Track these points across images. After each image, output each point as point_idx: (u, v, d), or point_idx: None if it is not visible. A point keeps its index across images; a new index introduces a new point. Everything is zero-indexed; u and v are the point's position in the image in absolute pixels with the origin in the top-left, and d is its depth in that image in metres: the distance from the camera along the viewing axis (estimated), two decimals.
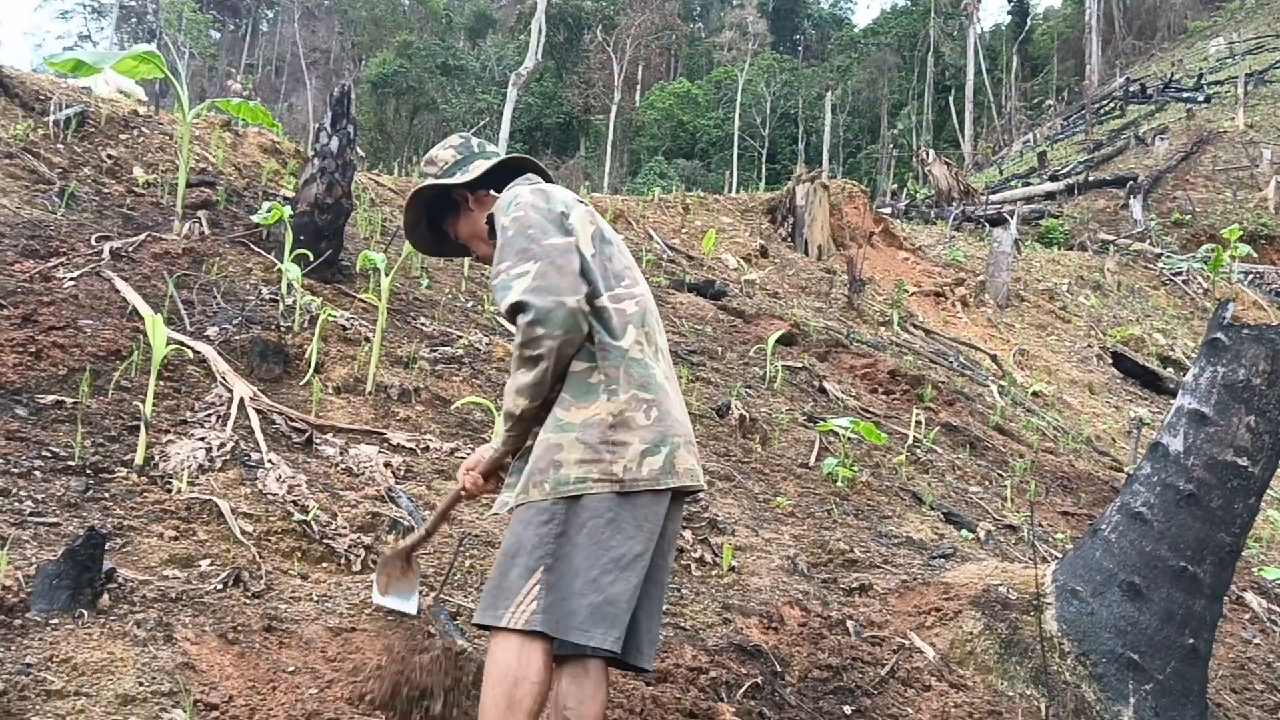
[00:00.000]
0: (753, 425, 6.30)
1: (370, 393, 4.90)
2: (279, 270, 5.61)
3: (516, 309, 2.47)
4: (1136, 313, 15.59)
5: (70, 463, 3.54)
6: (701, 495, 5.05)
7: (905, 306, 11.56)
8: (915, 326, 11.15)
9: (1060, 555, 4.79)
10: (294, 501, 3.74)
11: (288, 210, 5.67)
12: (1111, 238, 20.89)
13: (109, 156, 6.67)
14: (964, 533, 5.67)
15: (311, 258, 5.69)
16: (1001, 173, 33.18)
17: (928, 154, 23.97)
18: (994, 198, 23.76)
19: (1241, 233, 18.93)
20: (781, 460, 6.07)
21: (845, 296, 10.99)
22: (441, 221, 3.04)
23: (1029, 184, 27.68)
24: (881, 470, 6.37)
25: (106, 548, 2.92)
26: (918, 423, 7.29)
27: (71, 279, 4.84)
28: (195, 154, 7.07)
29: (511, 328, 2.59)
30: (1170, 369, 12.93)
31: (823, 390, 7.73)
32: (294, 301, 5.32)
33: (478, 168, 2.91)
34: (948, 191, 21.56)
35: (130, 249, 5.40)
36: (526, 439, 2.62)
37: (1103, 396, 11.63)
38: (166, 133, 7.35)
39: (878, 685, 3.80)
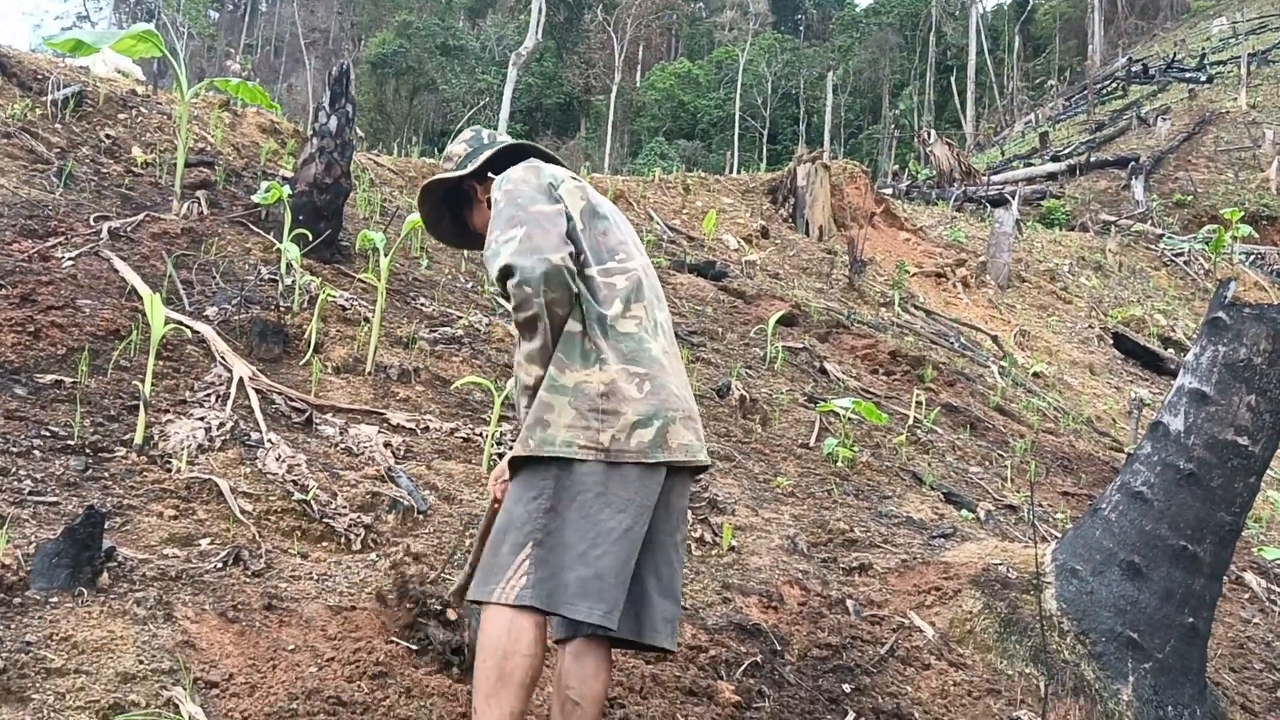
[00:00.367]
0: (753, 406, 6.30)
1: (370, 373, 4.90)
2: (278, 250, 5.60)
3: (505, 274, 2.49)
4: (1138, 293, 15.57)
5: (69, 442, 3.54)
6: (702, 475, 5.05)
7: (906, 287, 11.54)
8: (916, 307, 11.14)
9: (1060, 535, 4.80)
10: (294, 481, 3.74)
11: (286, 190, 5.65)
12: (1113, 218, 20.86)
13: (107, 136, 6.64)
14: (964, 513, 5.68)
15: (310, 238, 5.68)
16: (1003, 153, 33.09)
17: (929, 134, 23.91)
18: (995, 178, 23.70)
19: (1243, 213, 18.92)
20: (782, 440, 6.06)
21: (846, 277, 10.98)
22: (461, 214, 3.06)
23: (1031, 164, 27.61)
24: (882, 450, 6.37)
25: (106, 526, 2.92)
26: (918, 403, 7.28)
27: (70, 259, 4.83)
28: (194, 134, 7.05)
29: (506, 304, 2.59)
30: (1171, 350, 12.93)
31: (823, 371, 7.72)
32: (293, 281, 5.31)
33: (482, 158, 2.93)
34: (949, 172, 21.52)
35: (129, 229, 5.39)
36: None
37: (1103, 377, 11.63)
38: (165, 112, 7.32)
39: (877, 664, 3.81)
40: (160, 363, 4.17)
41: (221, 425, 3.92)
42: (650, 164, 33.85)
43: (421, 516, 3.90)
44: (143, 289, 4.46)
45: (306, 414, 4.33)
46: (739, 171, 18.79)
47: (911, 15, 54.29)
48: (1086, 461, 7.58)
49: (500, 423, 4.59)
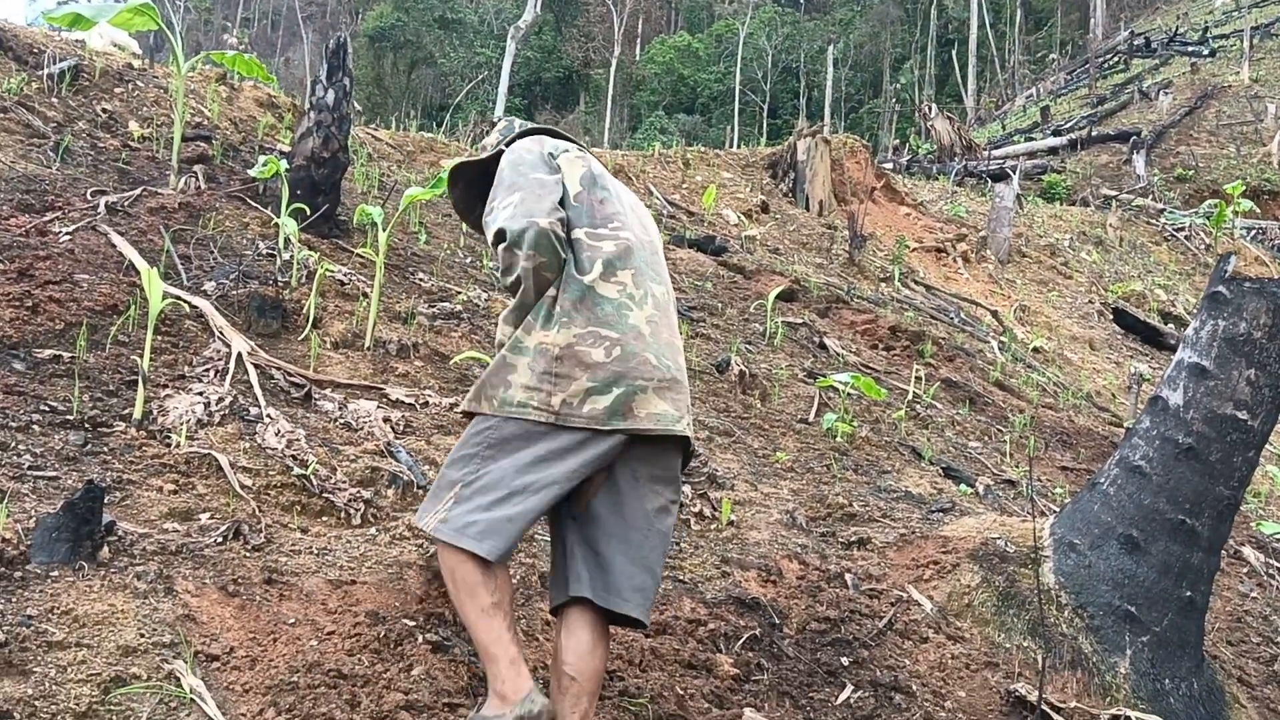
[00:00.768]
0: (752, 381, 6.30)
1: (369, 348, 4.89)
2: (276, 225, 5.58)
3: (498, 238, 2.59)
4: (1138, 268, 15.55)
5: (68, 417, 3.53)
6: (700, 450, 5.05)
7: (906, 262, 11.52)
8: (916, 282, 11.12)
9: (1059, 509, 4.81)
10: (293, 456, 3.74)
11: (284, 165, 5.63)
12: (1114, 193, 20.80)
13: (104, 110, 6.61)
14: (963, 487, 5.69)
15: (308, 212, 5.66)
16: (1004, 128, 32.93)
17: (930, 109, 23.81)
18: (996, 153, 23.61)
19: (1245, 188, 18.84)
20: (781, 416, 6.07)
21: (846, 252, 10.95)
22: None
23: (1032, 139, 27.50)
24: (881, 425, 6.38)
25: (106, 501, 2.92)
26: (918, 378, 7.29)
27: (67, 234, 4.81)
28: (191, 108, 7.01)
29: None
30: (1171, 325, 12.91)
31: (823, 346, 7.72)
32: (291, 256, 5.29)
33: (507, 141, 3.00)
34: (950, 146, 21.44)
35: (126, 203, 5.37)
36: None
37: (1103, 352, 11.63)
38: (161, 86, 7.29)
39: (875, 637, 3.82)
40: (158, 338, 4.17)
41: (220, 400, 3.92)
42: (650, 138, 33.74)
43: (421, 491, 3.90)
44: (140, 264, 4.44)
45: (305, 389, 4.33)
46: (739, 146, 18.72)
47: None
48: (1086, 436, 7.59)
49: None
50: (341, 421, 4.22)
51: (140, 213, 5.35)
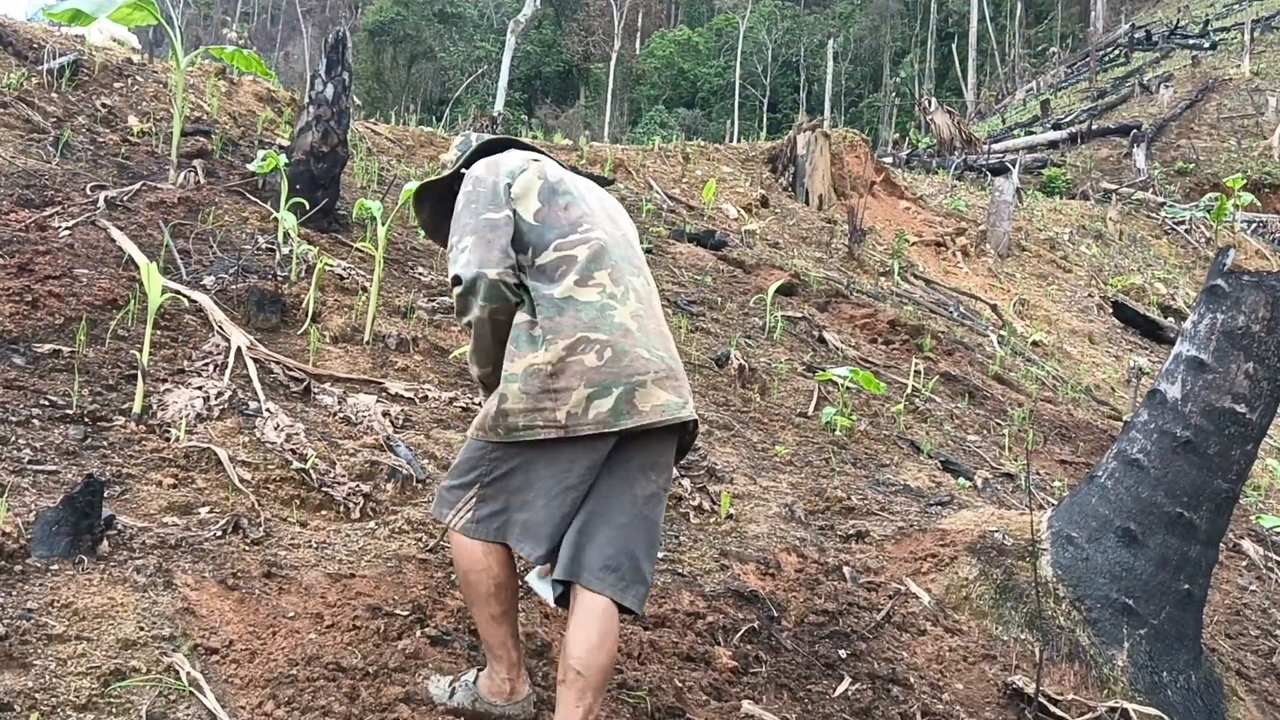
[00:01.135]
0: (752, 375, 6.30)
1: (368, 342, 4.90)
2: (275, 219, 5.59)
3: (454, 282, 2.66)
4: (1138, 262, 15.54)
5: (68, 411, 3.54)
6: (700, 444, 5.06)
7: (906, 256, 11.52)
8: (916, 276, 11.12)
9: (1057, 503, 4.82)
10: (292, 450, 3.75)
11: (283, 159, 5.63)
12: (1114, 187, 20.78)
13: (103, 105, 6.61)
14: (961, 481, 5.69)
15: (308, 206, 5.66)
16: (1004, 121, 32.91)
17: (930, 102, 23.76)
18: (996, 147, 23.60)
19: (1245, 181, 18.81)
20: (780, 409, 6.07)
21: (846, 246, 10.95)
22: None
23: (1032, 133, 27.47)
24: (880, 419, 6.38)
25: (105, 495, 2.93)
26: (917, 372, 7.29)
27: (67, 228, 4.82)
28: (190, 103, 7.01)
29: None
30: (1171, 318, 12.91)
31: (822, 340, 7.72)
32: (290, 251, 5.30)
33: (463, 158, 3.03)
34: (950, 140, 21.40)
35: (125, 198, 5.38)
36: None
37: (1103, 346, 11.63)
38: (161, 81, 7.29)
39: (873, 629, 3.83)
40: (158, 332, 4.17)
41: (220, 394, 3.93)
42: (650, 132, 33.70)
43: (420, 485, 3.91)
44: (140, 258, 4.45)
45: (305, 383, 4.34)
46: (739, 140, 18.71)
47: None
48: (1084, 430, 7.60)
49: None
50: (341, 416, 4.22)
51: (140, 207, 5.35)
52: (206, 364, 4.16)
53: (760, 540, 4.31)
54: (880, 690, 3.50)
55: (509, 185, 2.77)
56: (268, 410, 3.96)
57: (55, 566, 2.71)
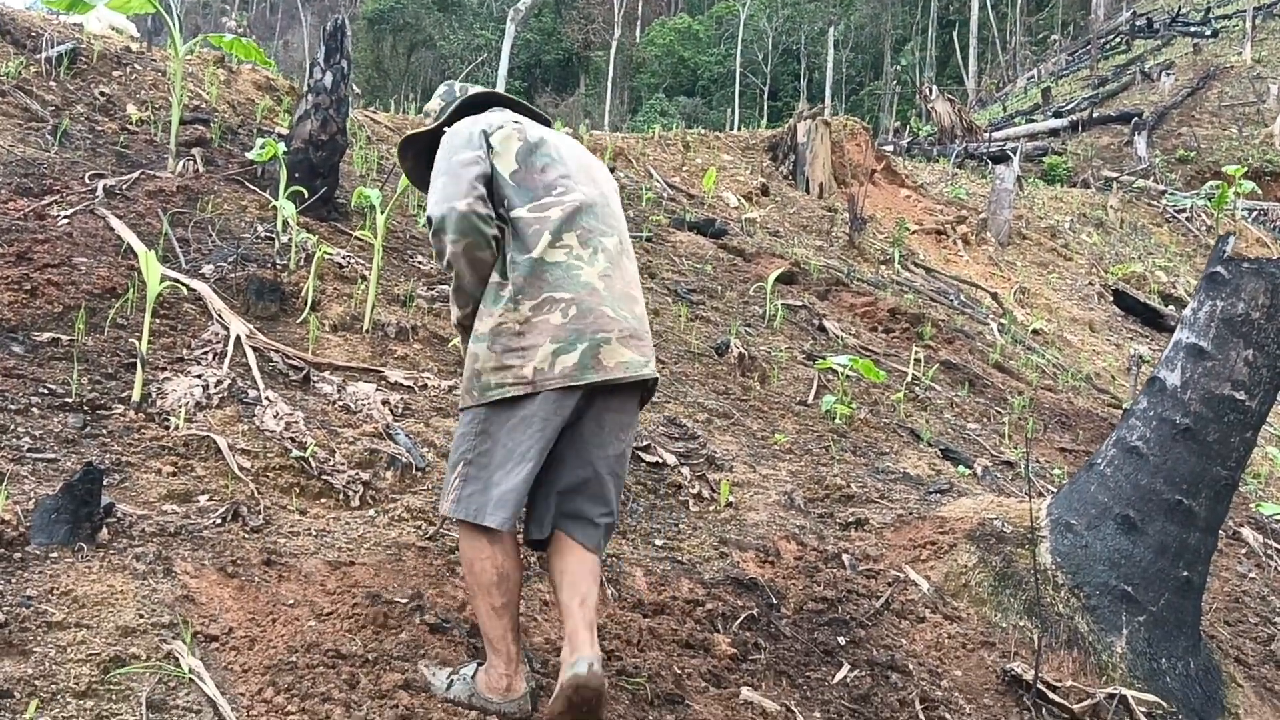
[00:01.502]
0: (752, 363, 6.30)
1: (367, 330, 4.90)
2: (274, 208, 5.58)
3: (427, 224, 2.74)
4: (1139, 250, 15.51)
5: (67, 399, 3.55)
6: (699, 432, 5.07)
7: (906, 244, 11.50)
8: (916, 265, 11.10)
9: (1056, 490, 4.82)
10: (291, 438, 3.75)
11: (282, 147, 5.62)
12: (1115, 175, 20.73)
13: (102, 94, 6.60)
14: (961, 469, 5.70)
15: (307, 195, 5.65)
16: (1005, 109, 32.80)
17: (931, 90, 23.69)
18: (997, 135, 23.51)
19: (1246, 169, 18.76)
20: (780, 398, 6.07)
21: (846, 235, 10.93)
22: None
23: (1033, 121, 27.39)
24: (880, 407, 6.38)
25: (105, 483, 2.93)
26: (917, 360, 7.29)
27: (66, 217, 4.81)
28: (189, 91, 7.00)
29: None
30: (1172, 307, 12.89)
31: (822, 328, 7.72)
32: (289, 239, 5.29)
33: (449, 110, 3.10)
34: (951, 129, 21.35)
35: (124, 187, 5.37)
36: None
37: (1103, 334, 11.63)
38: (159, 69, 7.27)
39: (872, 617, 3.84)
40: (157, 320, 4.17)
41: (219, 383, 3.93)
42: (650, 121, 33.63)
43: (420, 473, 3.92)
44: (139, 247, 4.45)
45: (304, 371, 4.34)
46: (739, 128, 18.67)
47: None
48: (1085, 418, 7.59)
49: None
50: (340, 404, 4.22)
51: (138, 196, 5.34)
52: (205, 352, 4.16)
53: (759, 528, 4.32)
54: (879, 677, 3.51)
55: (486, 134, 2.84)
56: (267, 398, 3.96)
57: (55, 554, 2.71)
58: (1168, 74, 28.61)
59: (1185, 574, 3.94)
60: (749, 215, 10.50)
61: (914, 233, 12.33)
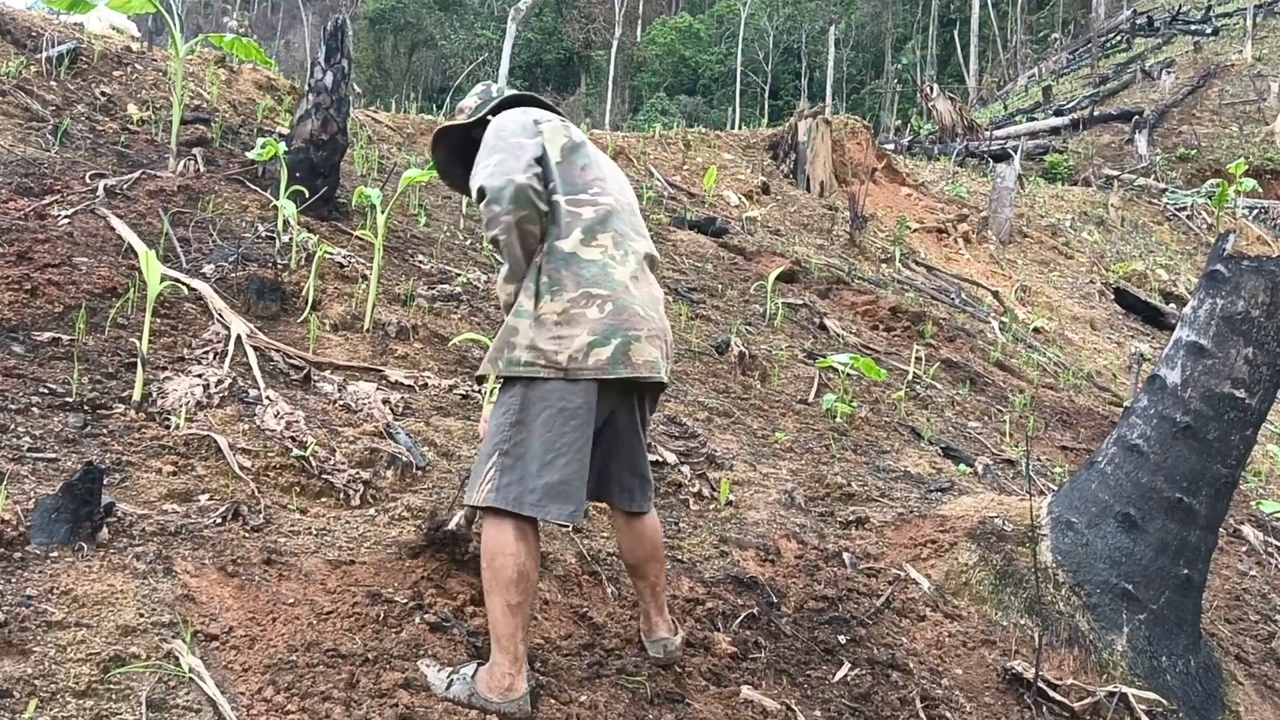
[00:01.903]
0: (752, 362, 6.30)
1: (368, 330, 4.90)
2: (275, 207, 5.58)
3: (480, 195, 2.76)
4: (1140, 248, 15.51)
5: (68, 399, 3.55)
6: (699, 431, 5.07)
7: (907, 243, 11.50)
8: (917, 263, 11.10)
9: (1057, 488, 4.82)
10: (292, 437, 3.75)
11: (282, 147, 5.62)
12: (1116, 173, 20.73)
13: (103, 94, 6.60)
14: (962, 467, 5.70)
15: (307, 195, 5.66)
16: (1006, 108, 32.79)
17: (932, 89, 23.69)
18: (998, 133, 23.51)
19: (1247, 167, 18.75)
20: (781, 396, 6.07)
21: (847, 233, 10.93)
22: (470, 162, 3.17)
23: (1033, 119, 27.40)
24: (880, 406, 6.38)
25: (105, 482, 2.93)
26: (918, 359, 7.29)
27: (66, 217, 4.82)
28: (190, 91, 7.00)
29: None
30: (1173, 305, 12.89)
31: (823, 327, 7.72)
32: (290, 239, 5.29)
33: (489, 107, 3.17)
34: (951, 127, 21.36)
35: (125, 186, 5.37)
36: None
37: (1104, 332, 11.62)
38: (160, 69, 7.27)
39: (873, 615, 3.84)
40: (158, 320, 4.17)
41: (219, 382, 3.93)
42: (651, 120, 33.61)
43: (420, 473, 3.92)
44: (139, 246, 4.45)
45: (304, 371, 4.34)
46: (740, 127, 18.67)
47: None
48: (1086, 416, 7.59)
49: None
50: (340, 403, 4.23)
51: (139, 196, 5.35)
52: (206, 352, 4.17)
53: (760, 527, 4.32)
54: (879, 675, 3.51)
55: (538, 122, 2.92)
56: (267, 398, 3.96)
57: (55, 553, 2.71)
58: (1168, 72, 28.60)
59: (1186, 572, 3.94)
60: (750, 214, 10.50)
61: (915, 231, 12.33)
